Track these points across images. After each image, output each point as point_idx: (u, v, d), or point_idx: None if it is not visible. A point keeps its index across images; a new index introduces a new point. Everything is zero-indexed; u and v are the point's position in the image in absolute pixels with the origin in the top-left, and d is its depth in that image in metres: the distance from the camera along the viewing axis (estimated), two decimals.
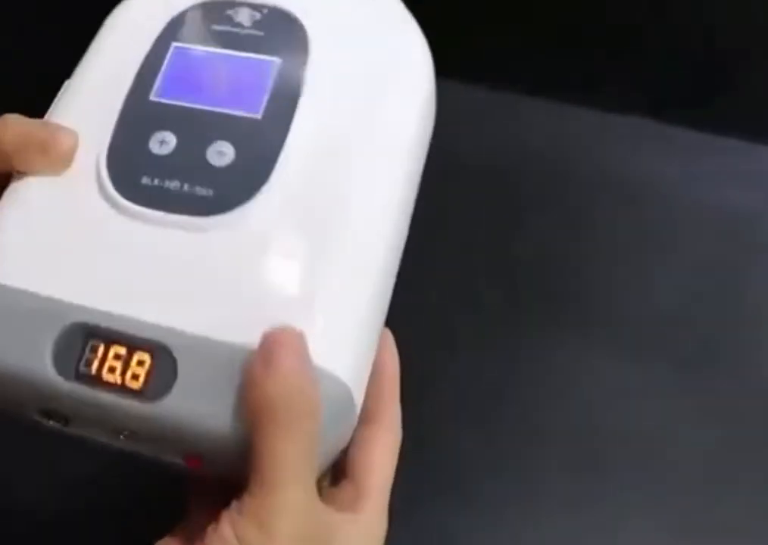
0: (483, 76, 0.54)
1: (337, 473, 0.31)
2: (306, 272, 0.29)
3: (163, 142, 0.31)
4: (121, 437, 0.29)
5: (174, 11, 0.34)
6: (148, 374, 0.27)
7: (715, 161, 0.53)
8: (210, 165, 0.31)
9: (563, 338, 0.49)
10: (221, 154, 0.31)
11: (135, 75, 0.33)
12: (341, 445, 0.29)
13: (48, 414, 0.29)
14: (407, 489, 0.43)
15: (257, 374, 0.26)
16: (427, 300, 0.49)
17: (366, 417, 0.31)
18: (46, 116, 0.33)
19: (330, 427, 0.27)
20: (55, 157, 0.31)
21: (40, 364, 0.28)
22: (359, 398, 0.29)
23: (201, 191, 0.30)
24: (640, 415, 0.46)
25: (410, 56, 0.35)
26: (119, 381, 0.27)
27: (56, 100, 0.34)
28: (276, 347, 0.26)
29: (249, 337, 0.27)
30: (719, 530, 0.43)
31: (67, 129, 0.32)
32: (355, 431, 0.30)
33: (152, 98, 0.32)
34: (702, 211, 0.52)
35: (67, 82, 0.34)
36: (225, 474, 0.28)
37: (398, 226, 0.32)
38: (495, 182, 0.54)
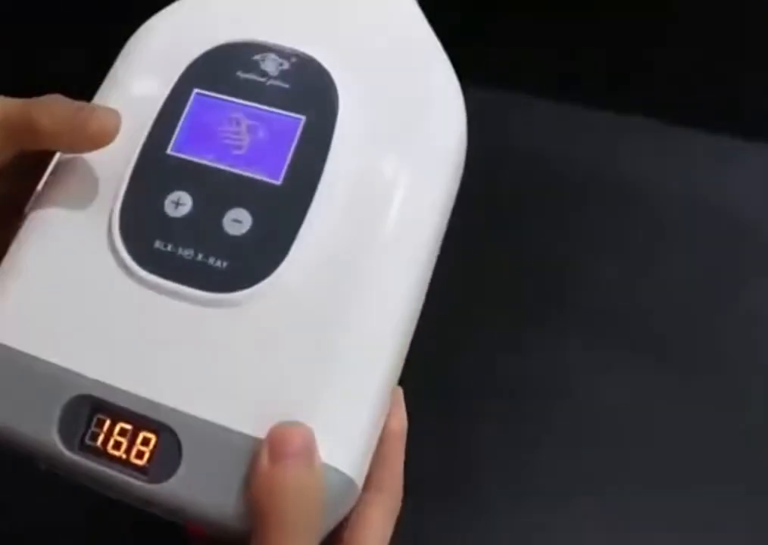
0: (482, 77, 0.54)
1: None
2: (318, 363, 0.28)
3: (179, 204, 0.30)
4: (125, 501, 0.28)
5: (198, 50, 0.32)
6: (153, 453, 0.27)
7: (715, 162, 0.54)
8: (226, 234, 0.29)
9: (562, 338, 0.49)
10: (238, 222, 0.29)
11: (154, 122, 0.31)
12: (338, 521, 0.29)
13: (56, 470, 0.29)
14: (407, 490, 0.44)
15: (264, 469, 0.26)
16: (427, 299, 0.49)
17: (369, 481, 0.30)
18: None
19: (331, 515, 0.27)
20: (99, 136, 0.30)
21: (46, 434, 0.27)
22: (361, 482, 0.28)
23: (215, 262, 0.29)
24: (640, 414, 0.47)
25: (445, 116, 0.32)
26: (124, 456, 0.27)
27: None
28: (285, 442, 0.26)
29: (255, 426, 0.26)
30: (720, 529, 0.44)
31: (109, 109, 0.30)
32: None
33: (170, 151, 0.30)
34: (702, 211, 0.52)
35: None
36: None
37: (415, 311, 0.31)
38: (494, 181, 0.54)
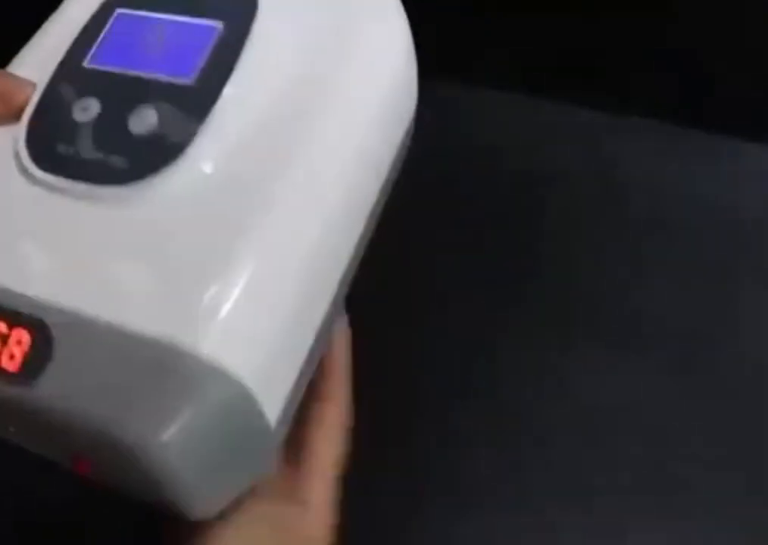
0: (482, 76, 0.54)
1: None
2: (214, 258, 0.26)
3: (86, 109, 0.29)
4: (10, 428, 0.28)
5: None
6: (26, 354, 0.25)
7: (715, 162, 0.53)
8: (129, 132, 0.28)
9: (561, 338, 0.49)
10: (143, 121, 0.28)
11: (74, 40, 0.31)
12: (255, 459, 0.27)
13: None
14: (406, 492, 0.43)
15: None
16: (426, 300, 0.49)
17: (314, 395, 0.29)
18: None
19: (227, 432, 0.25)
20: (14, 108, 0.30)
21: None
22: (272, 410, 0.26)
23: (115, 159, 0.28)
24: (641, 416, 0.46)
25: (381, 23, 0.32)
26: None
27: (9, 65, 0.33)
28: None
29: (143, 322, 0.25)
30: (722, 529, 0.44)
31: (26, 80, 0.30)
32: (303, 409, 0.28)
33: (86, 64, 0.30)
34: (700, 211, 0.52)
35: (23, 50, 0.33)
36: (119, 487, 0.26)
37: (345, 221, 0.30)
38: (493, 181, 0.54)
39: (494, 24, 0.54)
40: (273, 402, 0.26)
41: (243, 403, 0.25)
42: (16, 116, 0.30)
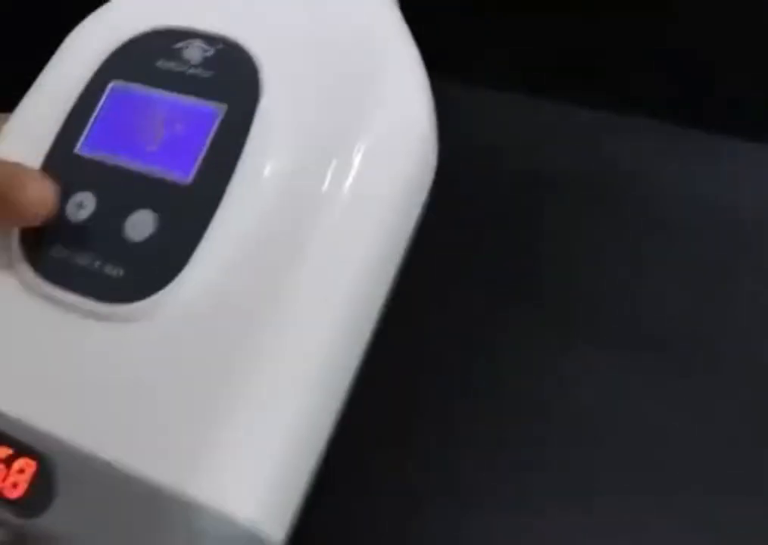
0: (481, 76, 0.54)
1: None
2: (220, 394, 0.24)
3: (81, 206, 0.27)
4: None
5: (119, 39, 0.29)
6: (29, 484, 0.24)
7: (715, 162, 0.53)
8: (126, 238, 0.26)
9: (561, 339, 0.49)
10: (140, 225, 0.26)
11: (65, 120, 0.28)
12: None
13: None
14: (405, 492, 0.43)
15: None
16: (426, 300, 0.49)
17: None
18: None
19: None
20: (31, 218, 0.26)
21: None
22: (280, 533, 0.25)
23: (111, 270, 0.26)
24: (641, 416, 0.46)
25: (402, 115, 0.29)
26: None
27: None
28: None
29: (141, 464, 0.23)
30: (722, 529, 0.43)
31: (41, 180, 0.27)
32: None
33: (78, 151, 0.28)
34: (701, 211, 0.52)
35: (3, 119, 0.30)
36: None
37: (352, 339, 0.27)
38: (493, 181, 0.53)
39: (494, 24, 0.53)
40: (280, 527, 0.25)
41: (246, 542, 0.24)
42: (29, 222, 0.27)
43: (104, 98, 0.28)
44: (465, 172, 0.54)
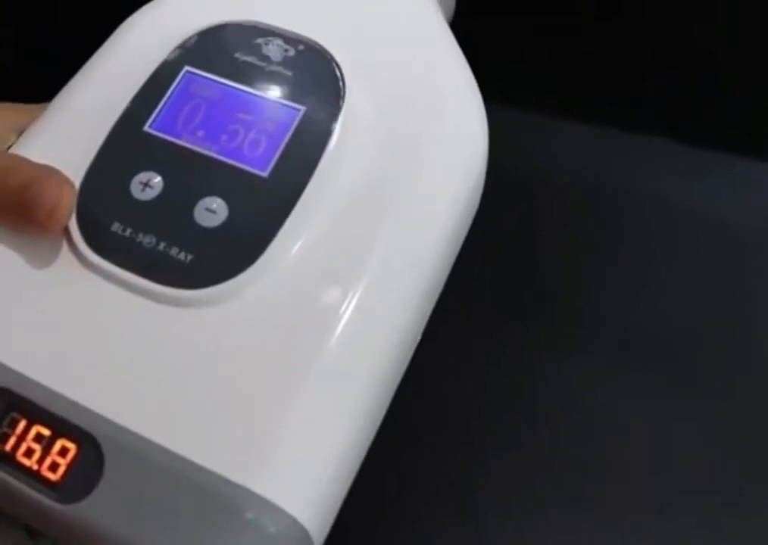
0: (489, 92, 0.54)
1: None
2: (280, 390, 0.24)
3: (148, 185, 0.26)
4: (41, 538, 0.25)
5: (193, 28, 0.29)
6: (69, 466, 0.23)
7: (718, 175, 0.54)
8: (196, 224, 0.26)
9: (567, 346, 0.49)
10: (211, 212, 0.26)
11: (134, 96, 0.28)
12: None
13: None
14: (408, 498, 0.44)
15: None
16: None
17: None
18: (22, 137, 0.28)
19: None
20: (46, 222, 0.25)
21: None
22: (320, 536, 0.24)
23: (177, 253, 0.25)
24: (647, 420, 0.47)
25: (463, 128, 0.29)
26: (35, 467, 0.23)
27: (39, 119, 0.29)
28: None
29: (195, 450, 0.23)
30: (724, 533, 0.44)
31: (61, 183, 0.26)
32: None
33: (147, 128, 0.27)
34: (704, 224, 0.53)
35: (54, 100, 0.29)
36: None
37: (412, 335, 0.27)
38: (499, 193, 0.54)
39: (496, 25, 0.54)
40: (322, 529, 0.25)
41: (296, 539, 0.23)
42: (38, 229, 0.26)
43: (176, 81, 0.28)
44: None
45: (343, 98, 0.28)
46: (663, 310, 0.50)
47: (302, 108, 0.27)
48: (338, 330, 0.25)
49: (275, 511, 0.23)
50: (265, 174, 0.26)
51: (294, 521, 0.23)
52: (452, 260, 0.30)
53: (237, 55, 0.28)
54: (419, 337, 0.28)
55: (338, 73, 0.28)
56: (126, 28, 0.31)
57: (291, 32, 0.29)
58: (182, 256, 0.25)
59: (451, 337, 0.48)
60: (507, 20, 0.54)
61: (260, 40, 0.29)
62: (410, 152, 0.28)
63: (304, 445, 0.24)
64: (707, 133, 0.53)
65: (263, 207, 0.26)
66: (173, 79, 0.28)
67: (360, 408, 0.25)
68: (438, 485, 0.44)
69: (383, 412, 0.27)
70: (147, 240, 0.26)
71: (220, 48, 0.29)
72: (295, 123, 0.27)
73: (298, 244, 0.26)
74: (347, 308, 0.25)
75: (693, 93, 0.54)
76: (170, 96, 0.28)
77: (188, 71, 0.28)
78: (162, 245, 0.25)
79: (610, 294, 0.51)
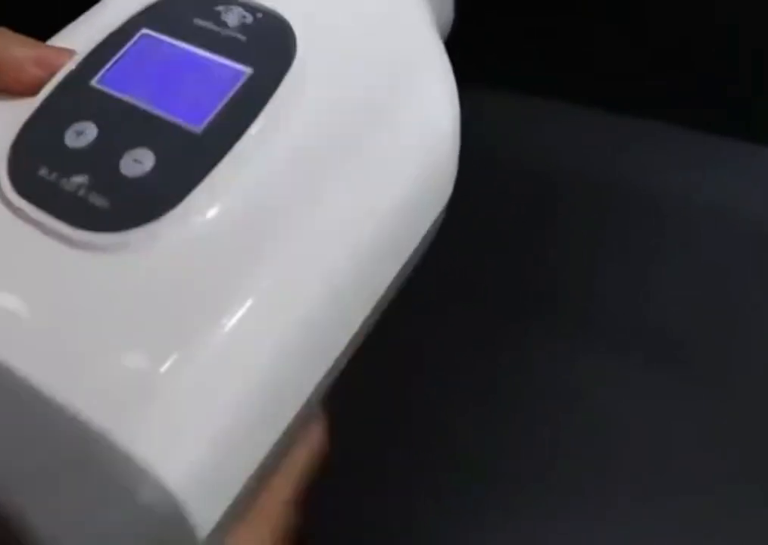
0: (487, 77, 0.53)
1: None
2: (176, 347, 0.23)
3: (82, 134, 0.27)
4: None
5: None
6: None
7: (725, 165, 0.53)
8: (119, 172, 0.26)
9: (565, 347, 0.49)
10: (137, 162, 0.26)
11: (88, 54, 0.29)
12: None
13: None
14: (407, 498, 0.43)
15: None
16: (428, 305, 0.49)
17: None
18: None
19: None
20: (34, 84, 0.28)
21: None
22: (205, 524, 0.23)
23: (96, 198, 0.25)
24: (650, 421, 0.46)
25: (428, 106, 0.29)
26: None
27: None
28: None
29: (79, 398, 0.22)
30: (724, 533, 0.43)
31: (64, 49, 0.28)
32: None
33: (93, 83, 0.28)
34: (707, 220, 0.52)
35: None
36: None
37: (339, 320, 0.26)
38: (499, 185, 0.53)
39: (495, 24, 0.54)
40: (208, 515, 0.23)
41: (172, 517, 0.22)
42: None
43: (132, 42, 0.29)
44: (464, 174, 0.54)
45: (291, 64, 0.28)
46: (665, 310, 0.49)
47: (249, 70, 0.27)
48: (246, 294, 0.24)
49: (147, 478, 0.21)
50: (198, 130, 0.26)
51: (171, 495, 0.21)
52: (403, 250, 0.29)
53: (195, 20, 0.29)
54: (363, 317, 0.28)
55: (292, 41, 0.28)
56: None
57: (253, 1, 0.29)
58: (99, 201, 0.25)
59: (450, 336, 0.48)
60: (508, 21, 0.54)
61: (220, 8, 0.29)
62: (363, 125, 0.28)
63: (195, 410, 0.23)
64: (712, 127, 0.52)
65: (190, 161, 0.26)
66: (127, 40, 0.29)
67: (265, 381, 0.24)
68: (437, 484, 0.44)
69: (303, 393, 0.26)
70: (68, 185, 0.26)
71: (179, 13, 0.30)
72: (239, 84, 0.27)
73: (220, 199, 0.25)
74: (260, 272, 0.25)
75: (693, 90, 0.54)
76: (122, 56, 0.29)
77: (144, 33, 0.29)
78: (82, 190, 0.26)
79: (611, 293, 0.50)
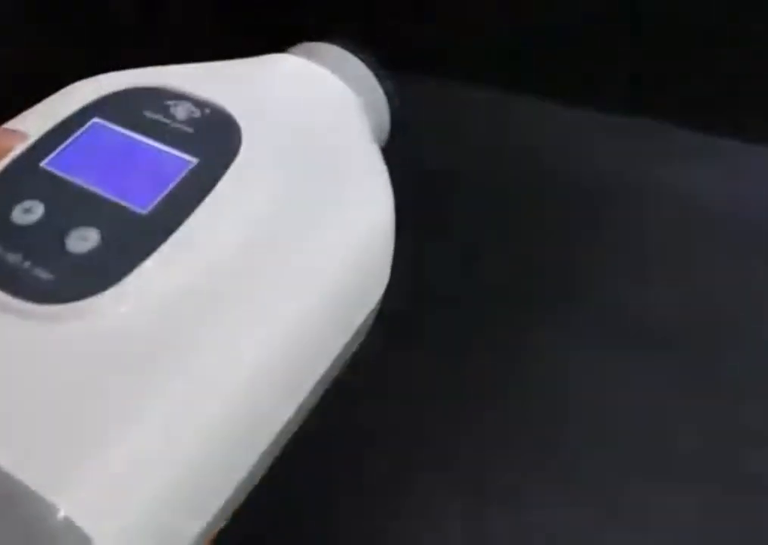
0: (482, 76, 0.55)
1: None
2: (114, 417, 0.24)
3: (29, 212, 0.28)
4: None
5: (114, 87, 0.32)
6: None
7: (719, 163, 0.54)
8: (64, 248, 0.27)
9: (567, 339, 0.49)
10: (83, 239, 0.27)
11: (39, 137, 0.30)
12: None
13: None
14: (406, 495, 0.43)
15: None
16: (426, 302, 0.49)
17: None
18: None
19: None
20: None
21: None
22: None
23: (41, 272, 0.26)
24: (648, 416, 0.47)
25: (365, 199, 0.31)
26: None
27: None
28: None
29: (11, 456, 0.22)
30: (724, 531, 0.43)
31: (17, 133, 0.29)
32: None
33: (43, 164, 0.29)
34: (702, 216, 0.53)
35: None
36: None
37: (270, 403, 0.27)
38: (493, 183, 0.55)
39: (491, 22, 0.55)
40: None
41: None
42: None
43: (83, 129, 0.30)
44: (472, 168, 0.55)
45: (236, 157, 0.29)
46: (662, 306, 0.50)
47: (195, 160, 0.29)
48: (173, 380, 0.25)
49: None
50: (145, 212, 0.28)
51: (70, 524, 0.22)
52: (336, 343, 0.30)
53: (146, 113, 0.31)
54: (288, 414, 0.28)
55: (237, 136, 0.30)
56: (63, 90, 0.33)
57: (201, 97, 0.32)
58: (44, 274, 0.26)
59: (449, 335, 0.49)
60: (509, 21, 0.55)
61: (170, 102, 0.31)
62: (303, 215, 0.29)
63: (128, 474, 0.23)
64: (704, 120, 0.54)
65: (135, 241, 0.27)
66: (79, 127, 0.31)
67: (196, 453, 0.25)
68: (436, 482, 0.44)
69: (242, 469, 0.27)
70: (13, 258, 0.27)
71: (131, 106, 0.31)
72: (185, 172, 0.29)
73: (161, 279, 0.26)
74: (198, 349, 0.26)
75: (691, 88, 0.55)
76: (73, 141, 0.30)
77: (95, 122, 0.31)
78: (27, 263, 0.27)
79: (609, 289, 0.51)
